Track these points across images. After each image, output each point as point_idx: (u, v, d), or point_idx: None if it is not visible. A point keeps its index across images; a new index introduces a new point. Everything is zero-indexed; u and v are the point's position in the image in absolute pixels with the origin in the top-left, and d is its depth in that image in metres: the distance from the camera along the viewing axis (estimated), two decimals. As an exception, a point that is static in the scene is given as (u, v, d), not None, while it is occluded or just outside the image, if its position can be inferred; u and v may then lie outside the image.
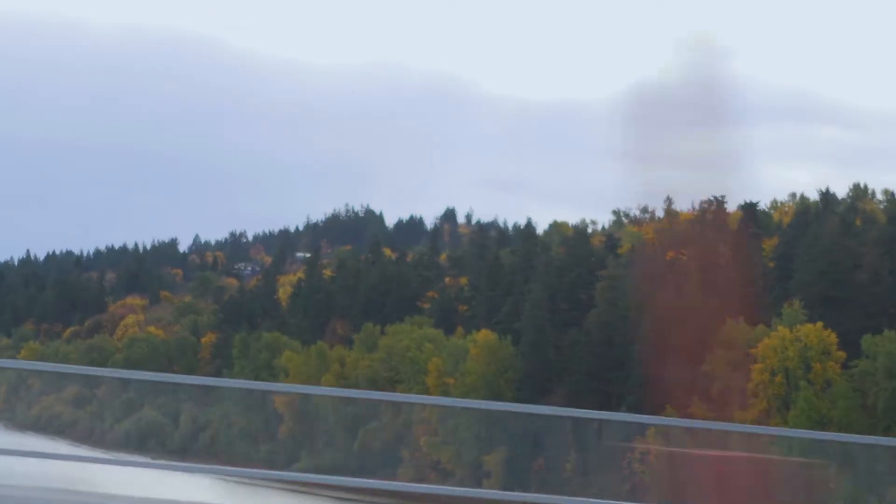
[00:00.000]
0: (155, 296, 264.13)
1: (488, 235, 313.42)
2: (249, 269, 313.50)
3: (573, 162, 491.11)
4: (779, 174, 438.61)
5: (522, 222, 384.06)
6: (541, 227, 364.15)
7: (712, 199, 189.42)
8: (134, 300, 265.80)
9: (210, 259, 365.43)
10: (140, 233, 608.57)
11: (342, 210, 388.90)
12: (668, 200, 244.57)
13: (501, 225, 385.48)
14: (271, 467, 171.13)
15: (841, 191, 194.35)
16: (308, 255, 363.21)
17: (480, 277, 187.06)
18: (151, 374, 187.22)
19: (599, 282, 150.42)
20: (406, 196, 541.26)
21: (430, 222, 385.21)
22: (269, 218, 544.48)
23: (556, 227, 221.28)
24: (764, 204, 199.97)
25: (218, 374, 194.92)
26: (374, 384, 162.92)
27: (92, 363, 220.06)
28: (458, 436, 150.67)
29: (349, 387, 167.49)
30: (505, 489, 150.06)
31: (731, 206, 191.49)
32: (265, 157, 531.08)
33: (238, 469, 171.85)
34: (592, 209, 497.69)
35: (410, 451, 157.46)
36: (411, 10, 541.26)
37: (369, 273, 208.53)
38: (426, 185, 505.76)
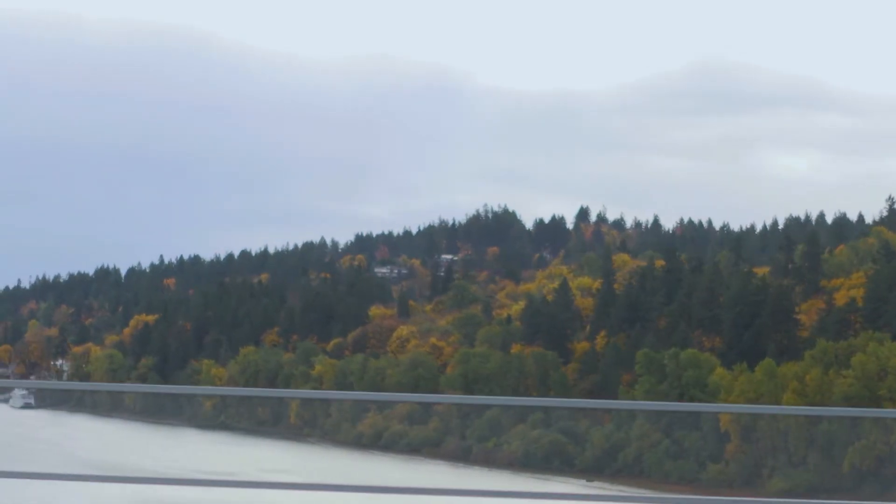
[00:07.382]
0: (404, 306, 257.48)
1: (706, 233, 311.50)
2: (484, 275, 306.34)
3: (570, 152, 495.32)
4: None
5: (542, 214, 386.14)
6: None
7: None
8: (379, 310, 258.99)
9: (356, 263, 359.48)
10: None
11: (482, 210, 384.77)
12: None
13: (630, 224, 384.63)
14: (721, 487, 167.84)
15: None
16: (453, 256, 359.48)
17: (877, 286, 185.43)
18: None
19: None
20: (399, 189, 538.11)
21: (570, 222, 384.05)
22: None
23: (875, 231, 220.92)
24: None
25: (604, 389, 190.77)
26: (852, 402, 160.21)
27: (418, 379, 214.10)
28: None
29: (813, 405, 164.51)
30: None
31: None
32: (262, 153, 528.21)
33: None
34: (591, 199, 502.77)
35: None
36: (406, 2, 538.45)
37: (721, 283, 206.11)
38: (423, 179, 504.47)
